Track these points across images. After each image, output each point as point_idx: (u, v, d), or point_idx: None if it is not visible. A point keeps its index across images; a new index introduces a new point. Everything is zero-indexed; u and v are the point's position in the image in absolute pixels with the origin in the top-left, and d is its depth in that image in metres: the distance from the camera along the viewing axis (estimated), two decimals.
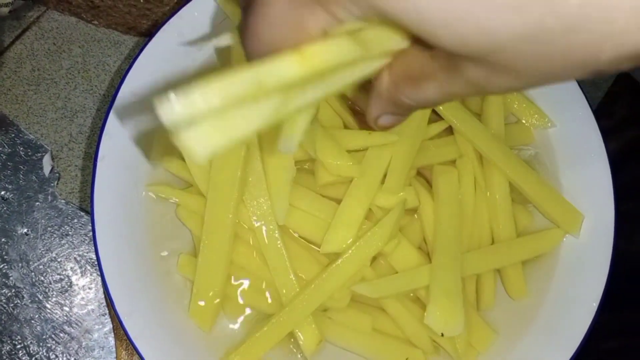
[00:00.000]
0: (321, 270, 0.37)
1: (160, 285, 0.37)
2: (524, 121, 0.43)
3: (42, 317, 0.46)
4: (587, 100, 0.42)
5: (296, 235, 0.39)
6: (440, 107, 0.40)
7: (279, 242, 0.37)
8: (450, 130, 0.42)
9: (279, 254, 0.37)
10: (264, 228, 0.37)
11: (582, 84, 0.55)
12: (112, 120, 0.38)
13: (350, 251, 0.36)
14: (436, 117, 0.42)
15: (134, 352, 0.44)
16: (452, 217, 0.39)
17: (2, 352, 0.45)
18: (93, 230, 0.35)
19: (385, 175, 0.39)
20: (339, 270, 0.36)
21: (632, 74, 0.55)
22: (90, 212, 0.48)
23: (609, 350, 0.47)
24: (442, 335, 0.36)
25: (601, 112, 0.55)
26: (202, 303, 0.36)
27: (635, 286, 0.48)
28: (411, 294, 0.40)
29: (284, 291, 0.36)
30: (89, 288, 0.47)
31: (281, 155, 0.37)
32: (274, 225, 0.37)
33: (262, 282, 0.38)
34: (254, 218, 0.37)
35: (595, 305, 0.38)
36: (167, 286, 0.38)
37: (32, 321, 0.46)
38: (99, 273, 0.47)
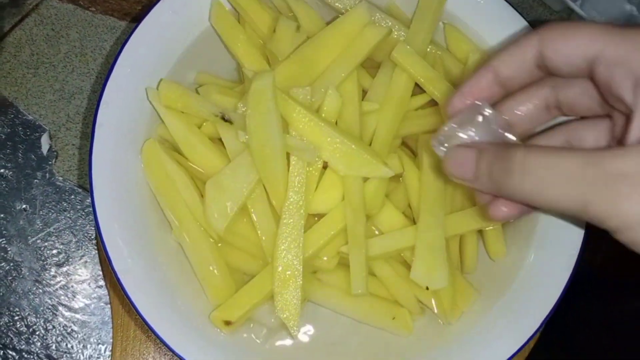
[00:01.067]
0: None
1: (157, 246, 0.39)
2: None
3: (40, 290, 0.48)
4: None
5: None
6: (422, 80, 0.42)
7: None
8: (433, 102, 0.44)
9: (267, 216, 0.39)
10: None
11: None
12: (110, 90, 0.39)
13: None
14: (419, 90, 0.44)
15: (130, 321, 0.45)
16: (436, 181, 0.40)
17: (1, 324, 0.47)
18: (91, 194, 0.37)
19: (370, 143, 0.41)
20: (322, 225, 0.38)
21: None
22: (87, 188, 0.50)
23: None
24: (427, 288, 0.38)
25: None
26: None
27: None
28: (399, 255, 0.41)
29: (267, 247, 0.38)
30: (86, 261, 0.48)
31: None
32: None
33: (250, 244, 0.40)
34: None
35: (573, 260, 0.40)
36: (163, 248, 0.39)
37: (30, 294, 0.47)
38: (95, 247, 0.49)
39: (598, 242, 0.40)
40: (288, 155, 0.38)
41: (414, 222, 0.42)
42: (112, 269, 0.36)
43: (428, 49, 0.45)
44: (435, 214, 0.39)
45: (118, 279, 0.36)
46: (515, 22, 0.45)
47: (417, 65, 0.42)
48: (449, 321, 0.40)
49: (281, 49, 0.40)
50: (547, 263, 0.41)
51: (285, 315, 0.36)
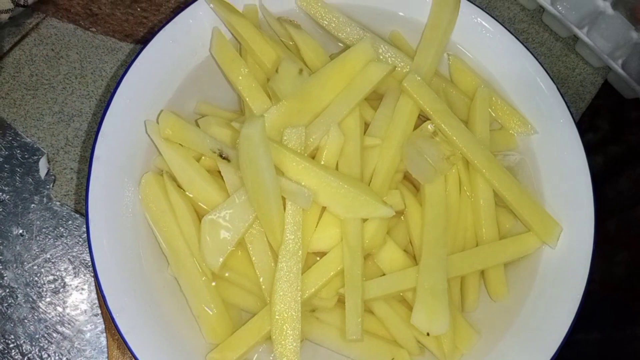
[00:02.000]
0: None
1: (152, 282, 0.38)
2: (507, 128, 0.44)
3: (36, 317, 0.47)
4: (569, 110, 0.44)
5: None
6: (431, 112, 0.41)
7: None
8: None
9: (264, 252, 0.38)
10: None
11: (566, 94, 0.57)
12: (108, 121, 0.39)
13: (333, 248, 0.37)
14: (421, 121, 0.43)
15: (127, 352, 0.45)
16: (439, 219, 0.40)
17: None
18: (87, 228, 0.36)
19: (371, 179, 0.41)
20: (321, 266, 0.37)
21: (615, 85, 0.57)
22: (84, 213, 0.49)
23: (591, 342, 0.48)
24: (428, 334, 0.37)
25: (585, 126, 0.57)
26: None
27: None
28: (399, 294, 0.41)
29: (266, 286, 0.37)
30: (82, 289, 0.48)
31: None
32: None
33: (248, 281, 0.39)
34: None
35: (574, 308, 0.39)
36: (159, 284, 0.39)
37: (26, 321, 0.47)
38: (92, 274, 0.48)
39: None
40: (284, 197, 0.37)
41: (415, 258, 0.41)
42: (107, 308, 0.36)
43: (432, 81, 0.44)
44: (437, 255, 0.39)
45: (113, 319, 0.36)
46: (522, 56, 0.44)
47: (426, 97, 0.41)
48: None
49: (283, 89, 0.39)
50: (550, 305, 0.40)
51: None
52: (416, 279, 0.38)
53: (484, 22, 0.44)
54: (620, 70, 0.53)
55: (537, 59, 0.44)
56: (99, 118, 0.52)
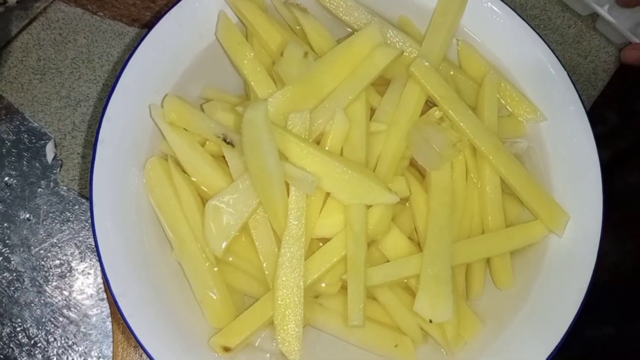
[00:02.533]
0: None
1: (156, 266, 0.38)
2: (516, 114, 0.43)
3: (42, 301, 0.47)
4: (580, 97, 0.43)
5: None
6: (438, 98, 0.41)
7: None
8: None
9: (268, 236, 0.38)
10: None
11: (577, 82, 0.56)
12: (113, 105, 0.39)
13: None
14: (428, 107, 0.42)
15: (131, 336, 0.45)
16: (444, 207, 0.39)
17: (2, 334, 0.46)
18: (91, 211, 0.36)
19: (376, 166, 0.40)
20: (324, 253, 0.37)
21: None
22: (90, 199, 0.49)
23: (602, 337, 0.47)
24: (431, 321, 0.37)
25: (594, 118, 0.56)
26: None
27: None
28: (403, 282, 0.40)
29: (269, 271, 0.37)
30: (88, 273, 0.48)
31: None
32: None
33: (251, 266, 0.39)
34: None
35: (580, 298, 0.39)
36: (163, 268, 0.39)
37: (32, 304, 0.47)
38: (97, 259, 0.48)
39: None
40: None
41: (419, 246, 0.41)
42: (111, 292, 0.36)
43: (440, 67, 0.43)
44: (442, 242, 0.38)
45: (116, 303, 0.36)
46: (533, 42, 0.43)
47: (434, 83, 0.40)
48: (453, 351, 0.39)
49: (288, 72, 0.39)
50: (556, 294, 0.40)
51: (286, 348, 0.36)
52: (420, 266, 0.38)
53: (494, 7, 0.44)
54: None
55: (548, 45, 0.44)
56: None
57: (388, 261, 0.40)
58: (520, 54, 0.44)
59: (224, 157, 0.40)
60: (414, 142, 0.40)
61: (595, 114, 0.55)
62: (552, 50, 0.44)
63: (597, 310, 0.45)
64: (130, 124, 0.39)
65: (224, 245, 0.38)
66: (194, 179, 0.40)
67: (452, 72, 0.44)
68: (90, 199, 0.37)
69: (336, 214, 0.38)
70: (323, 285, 0.38)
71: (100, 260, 0.36)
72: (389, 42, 0.43)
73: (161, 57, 0.41)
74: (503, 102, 0.44)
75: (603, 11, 0.54)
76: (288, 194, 0.37)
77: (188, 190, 0.39)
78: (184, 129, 0.40)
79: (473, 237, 0.40)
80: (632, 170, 0.54)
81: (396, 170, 0.41)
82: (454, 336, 0.39)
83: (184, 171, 0.40)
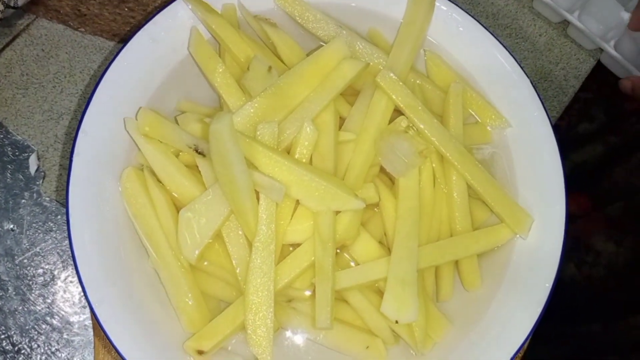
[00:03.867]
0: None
1: (132, 274, 0.40)
2: (482, 121, 0.45)
3: (26, 309, 0.48)
4: (542, 103, 0.44)
5: None
6: (404, 108, 0.42)
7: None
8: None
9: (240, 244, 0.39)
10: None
11: (549, 88, 0.58)
12: (88, 118, 0.40)
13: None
14: (396, 115, 0.44)
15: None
16: (412, 211, 0.41)
17: None
18: (67, 222, 0.38)
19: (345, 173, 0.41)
20: (294, 258, 0.38)
21: (609, 67, 0.57)
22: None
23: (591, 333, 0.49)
24: (397, 322, 0.38)
25: (578, 118, 0.57)
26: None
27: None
28: (374, 285, 0.41)
29: (242, 276, 0.39)
30: (71, 282, 0.49)
31: None
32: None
33: (225, 272, 0.40)
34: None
35: (544, 298, 0.40)
36: (139, 275, 0.40)
37: (16, 312, 0.48)
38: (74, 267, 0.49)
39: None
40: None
41: (389, 250, 0.42)
42: (87, 299, 0.37)
43: (408, 76, 0.45)
44: (408, 246, 0.40)
45: (92, 310, 0.37)
46: (497, 50, 0.45)
47: (400, 93, 0.42)
48: (422, 352, 0.40)
49: (254, 86, 0.40)
50: (521, 294, 0.41)
51: (257, 350, 0.37)
52: (387, 269, 0.39)
53: (457, 17, 0.45)
54: (613, 52, 0.54)
55: (510, 53, 0.45)
56: None
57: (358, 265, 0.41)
58: (484, 62, 0.45)
59: (197, 166, 0.41)
60: (382, 150, 0.42)
61: (581, 114, 0.57)
62: (515, 58, 0.45)
63: (590, 308, 0.46)
64: (106, 136, 0.41)
65: (196, 252, 0.39)
66: (169, 188, 0.41)
67: (419, 82, 0.45)
68: (66, 210, 0.38)
69: (306, 220, 0.39)
70: (294, 289, 0.40)
71: (76, 269, 0.37)
72: (357, 53, 0.44)
73: (136, 71, 0.43)
74: (470, 109, 0.45)
75: (573, 18, 0.55)
76: (258, 201, 0.38)
77: (163, 199, 0.40)
78: (158, 140, 0.41)
79: (441, 241, 0.42)
80: (624, 167, 0.56)
81: (366, 177, 0.42)
82: (422, 337, 0.40)
83: (159, 181, 0.41)
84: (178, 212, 0.40)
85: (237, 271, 0.39)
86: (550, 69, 0.59)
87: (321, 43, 0.46)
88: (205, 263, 0.41)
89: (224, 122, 0.36)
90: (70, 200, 0.38)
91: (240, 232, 0.39)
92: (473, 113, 0.45)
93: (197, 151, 0.39)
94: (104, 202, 0.40)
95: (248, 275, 0.38)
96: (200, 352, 0.38)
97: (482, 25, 0.45)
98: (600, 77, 0.59)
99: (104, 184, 0.40)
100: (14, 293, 0.49)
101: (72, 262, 0.49)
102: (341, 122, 0.43)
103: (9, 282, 0.49)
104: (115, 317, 0.37)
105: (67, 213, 0.38)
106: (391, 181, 0.44)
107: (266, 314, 0.37)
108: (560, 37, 0.60)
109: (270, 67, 0.41)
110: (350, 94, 0.44)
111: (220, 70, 0.42)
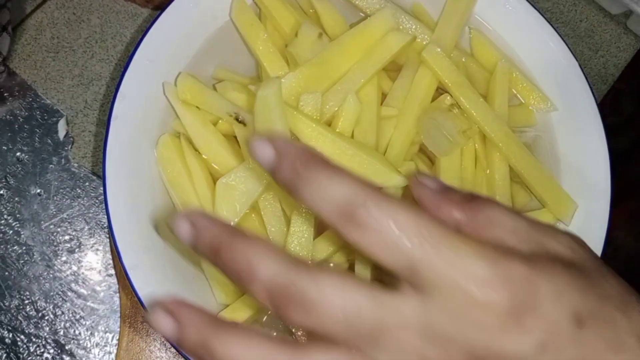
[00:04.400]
0: None
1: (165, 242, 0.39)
2: (527, 103, 0.44)
3: (51, 275, 0.48)
4: (591, 88, 0.43)
5: None
6: (449, 84, 0.41)
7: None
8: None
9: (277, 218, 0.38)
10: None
11: (588, 75, 0.56)
12: (127, 82, 0.39)
13: None
14: (439, 94, 0.43)
15: (139, 312, 0.46)
16: None
17: (11, 306, 0.47)
18: (104, 185, 0.37)
19: (386, 150, 0.40)
20: (333, 233, 0.37)
21: None
22: (101, 176, 0.50)
23: None
24: None
25: (609, 109, 0.56)
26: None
27: None
28: None
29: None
30: (97, 249, 0.49)
31: None
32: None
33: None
34: None
35: None
36: (175, 240, 0.39)
37: (41, 278, 0.48)
38: (107, 235, 0.49)
39: None
40: None
41: None
42: (122, 264, 0.36)
43: (452, 54, 0.44)
44: None
45: (127, 274, 0.36)
46: (546, 33, 0.44)
47: (445, 69, 0.41)
48: None
49: (301, 54, 0.39)
50: None
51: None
52: None
53: None
54: None
55: (561, 37, 0.44)
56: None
57: None
58: (532, 44, 0.44)
59: (235, 137, 0.40)
60: (424, 127, 0.41)
61: (611, 105, 0.56)
62: (565, 42, 0.44)
63: None
64: (143, 101, 0.40)
65: (233, 223, 0.38)
66: (206, 157, 0.40)
67: (463, 60, 0.44)
68: (103, 174, 0.37)
69: None
70: (331, 265, 0.39)
71: (111, 232, 0.36)
72: (401, 27, 0.43)
73: (175, 36, 0.41)
74: (514, 91, 0.44)
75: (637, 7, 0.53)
76: None
77: (199, 167, 0.39)
78: (197, 107, 0.40)
79: None
80: None
81: (406, 155, 0.41)
82: None
83: (195, 149, 0.40)
84: (214, 181, 0.39)
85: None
86: (589, 55, 0.58)
87: (361, 15, 0.45)
88: None
89: (272, 89, 0.35)
90: (107, 164, 0.37)
91: (278, 205, 0.38)
92: (517, 94, 0.44)
93: (237, 120, 0.38)
94: (139, 167, 0.39)
95: (285, 248, 0.37)
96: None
97: (530, 4, 0.44)
98: (638, 67, 0.57)
99: (140, 149, 0.39)
100: (39, 258, 0.48)
101: (99, 230, 0.49)
102: (382, 97, 0.42)
103: (35, 247, 0.48)
104: (149, 283, 0.37)
105: (103, 176, 0.37)
106: (430, 161, 0.43)
107: None
108: (600, 23, 0.58)
109: (320, 34, 0.39)
110: (392, 69, 0.43)
111: (263, 37, 0.41)
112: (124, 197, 0.38)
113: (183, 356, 0.36)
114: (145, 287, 0.36)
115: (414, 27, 0.43)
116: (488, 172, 0.42)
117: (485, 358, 0.22)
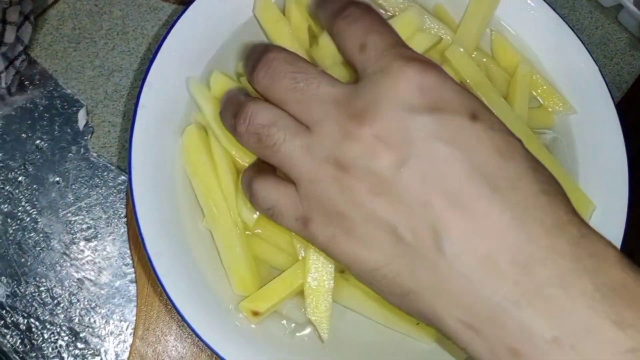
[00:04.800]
0: None
1: (187, 231, 0.39)
2: (546, 105, 0.44)
3: (67, 263, 0.48)
4: (610, 92, 0.44)
5: None
6: (471, 83, 0.41)
7: None
8: None
9: None
10: None
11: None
12: (154, 71, 0.39)
13: None
14: None
15: (154, 302, 0.46)
16: None
17: (26, 293, 0.47)
18: (129, 172, 0.37)
19: None
20: None
21: None
22: (120, 166, 0.50)
23: None
24: None
25: (626, 109, 0.57)
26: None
27: None
28: None
29: (298, 243, 0.38)
30: (114, 238, 0.49)
31: None
32: None
33: (281, 239, 0.40)
34: None
35: None
36: (193, 234, 0.39)
37: (57, 266, 0.48)
38: (124, 225, 0.49)
39: None
40: None
41: None
42: (146, 250, 0.36)
43: (473, 55, 0.44)
44: None
45: (150, 261, 0.36)
46: (566, 36, 0.44)
47: (468, 69, 0.41)
48: None
49: (324, 59, 0.40)
50: None
51: (316, 318, 0.36)
52: None
53: (531, 3, 0.44)
54: None
55: (581, 40, 0.44)
56: (139, 74, 0.53)
57: None
58: (551, 46, 0.45)
59: None
60: None
61: (627, 107, 0.56)
62: (585, 45, 0.44)
63: None
64: (169, 91, 0.40)
65: (255, 216, 0.38)
66: (231, 151, 0.40)
67: (484, 60, 0.44)
68: (128, 160, 0.38)
69: None
70: None
71: (136, 219, 0.37)
72: (424, 28, 0.44)
73: (200, 30, 0.42)
74: (533, 93, 0.44)
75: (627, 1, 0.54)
76: None
77: (224, 159, 0.39)
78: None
79: None
80: None
81: None
82: None
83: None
84: (237, 174, 0.40)
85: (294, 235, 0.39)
86: (604, 62, 0.58)
87: (382, 12, 0.45)
88: (258, 231, 0.40)
89: None
90: (133, 152, 0.38)
91: None
92: (537, 96, 0.44)
93: None
94: (164, 157, 0.39)
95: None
96: (255, 313, 0.37)
97: (552, 8, 0.45)
98: None
99: (164, 138, 0.40)
100: (56, 246, 0.48)
101: (116, 220, 0.49)
102: None
103: (52, 235, 0.49)
104: (172, 270, 0.37)
105: (129, 163, 0.37)
106: None
107: (327, 282, 0.37)
108: (615, 32, 0.59)
109: None
110: None
111: (287, 34, 0.41)
112: (148, 185, 0.38)
113: (205, 344, 0.37)
114: (168, 274, 0.37)
115: (437, 27, 0.44)
116: None
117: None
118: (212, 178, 0.39)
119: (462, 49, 0.41)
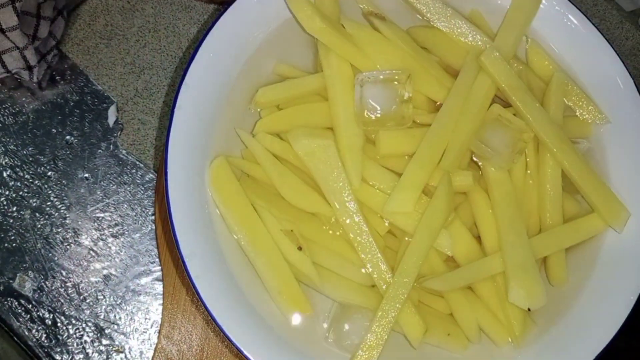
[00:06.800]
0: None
1: (219, 235, 0.39)
2: (581, 115, 0.44)
3: (94, 259, 0.48)
4: None
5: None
6: (507, 89, 0.41)
7: (364, 226, 0.39)
8: None
9: (368, 241, 0.39)
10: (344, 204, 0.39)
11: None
12: (192, 73, 0.39)
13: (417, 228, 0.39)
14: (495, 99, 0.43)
15: (180, 302, 0.46)
16: (509, 198, 0.40)
17: (52, 287, 0.47)
18: (165, 173, 0.37)
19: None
20: (415, 246, 0.38)
21: None
22: (148, 164, 0.50)
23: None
24: (529, 309, 0.38)
25: None
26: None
27: None
28: None
29: (375, 276, 0.39)
30: (142, 236, 0.49)
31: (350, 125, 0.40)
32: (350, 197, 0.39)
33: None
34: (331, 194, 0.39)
35: (633, 298, 0.39)
36: (224, 237, 0.40)
37: (84, 261, 0.48)
38: (152, 223, 0.49)
39: None
40: None
41: (479, 240, 0.41)
42: (179, 252, 0.36)
43: (510, 61, 0.44)
44: (516, 231, 0.39)
45: (184, 263, 0.36)
46: (601, 48, 0.44)
47: (503, 73, 0.41)
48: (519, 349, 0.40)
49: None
50: (607, 293, 0.40)
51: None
52: (502, 257, 0.39)
53: (567, 13, 0.44)
54: None
55: (615, 50, 0.44)
56: (170, 72, 0.53)
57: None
58: (586, 56, 0.44)
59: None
60: (483, 139, 0.41)
61: None
62: (620, 57, 0.44)
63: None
64: (206, 92, 0.40)
65: None
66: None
67: (520, 68, 0.44)
68: (165, 161, 0.38)
69: None
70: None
71: (170, 220, 0.37)
72: (459, 33, 0.44)
73: (240, 30, 0.42)
74: (568, 102, 0.44)
75: None
76: None
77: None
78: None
79: (532, 237, 0.41)
80: None
81: (460, 164, 0.41)
82: (522, 335, 0.39)
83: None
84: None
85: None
86: (634, 74, 0.58)
87: (418, 17, 0.45)
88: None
89: None
90: (170, 153, 0.38)
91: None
92: (572, 106, 0.44)
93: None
94: (197, 159, 0.39)
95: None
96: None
97: (586, 17, 0.44)
98: None
99: (200, 142, 0.40)
100: (84, 242, 0.49)
101: (143, 217, 0.49)
102: (433, 103, 0.43)
103: (80, 231, 0.49)
104: (205, 272, 0.37)
105: (165, 164, 0.37)
106: (478, 167, 0.43)
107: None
108: None
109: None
110: (449, 73, 0.44)
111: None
112: (183, 187, 0.38)
113: (230, 341, 0.37)
114: (202, 275, 0.37)
115: (473, 33, 0.44)
116: (538, 181, 0.42)
117: None
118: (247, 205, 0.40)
119: (497, 53, 0.41)
